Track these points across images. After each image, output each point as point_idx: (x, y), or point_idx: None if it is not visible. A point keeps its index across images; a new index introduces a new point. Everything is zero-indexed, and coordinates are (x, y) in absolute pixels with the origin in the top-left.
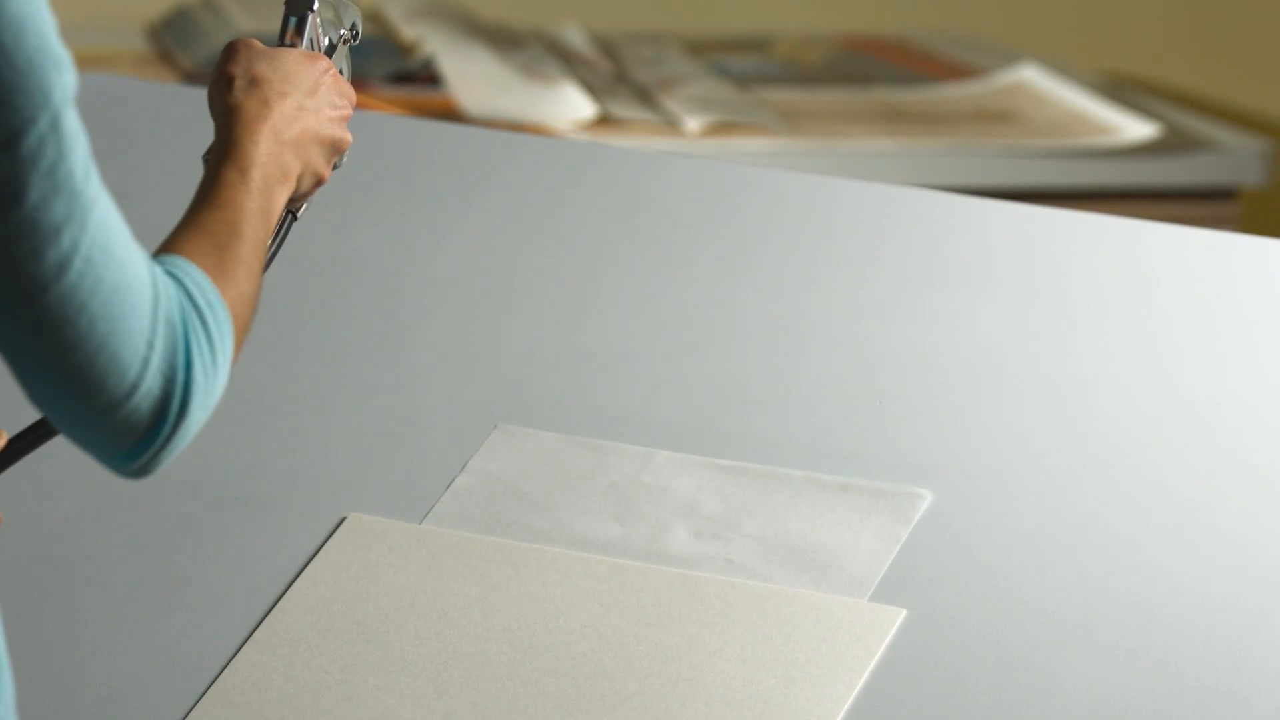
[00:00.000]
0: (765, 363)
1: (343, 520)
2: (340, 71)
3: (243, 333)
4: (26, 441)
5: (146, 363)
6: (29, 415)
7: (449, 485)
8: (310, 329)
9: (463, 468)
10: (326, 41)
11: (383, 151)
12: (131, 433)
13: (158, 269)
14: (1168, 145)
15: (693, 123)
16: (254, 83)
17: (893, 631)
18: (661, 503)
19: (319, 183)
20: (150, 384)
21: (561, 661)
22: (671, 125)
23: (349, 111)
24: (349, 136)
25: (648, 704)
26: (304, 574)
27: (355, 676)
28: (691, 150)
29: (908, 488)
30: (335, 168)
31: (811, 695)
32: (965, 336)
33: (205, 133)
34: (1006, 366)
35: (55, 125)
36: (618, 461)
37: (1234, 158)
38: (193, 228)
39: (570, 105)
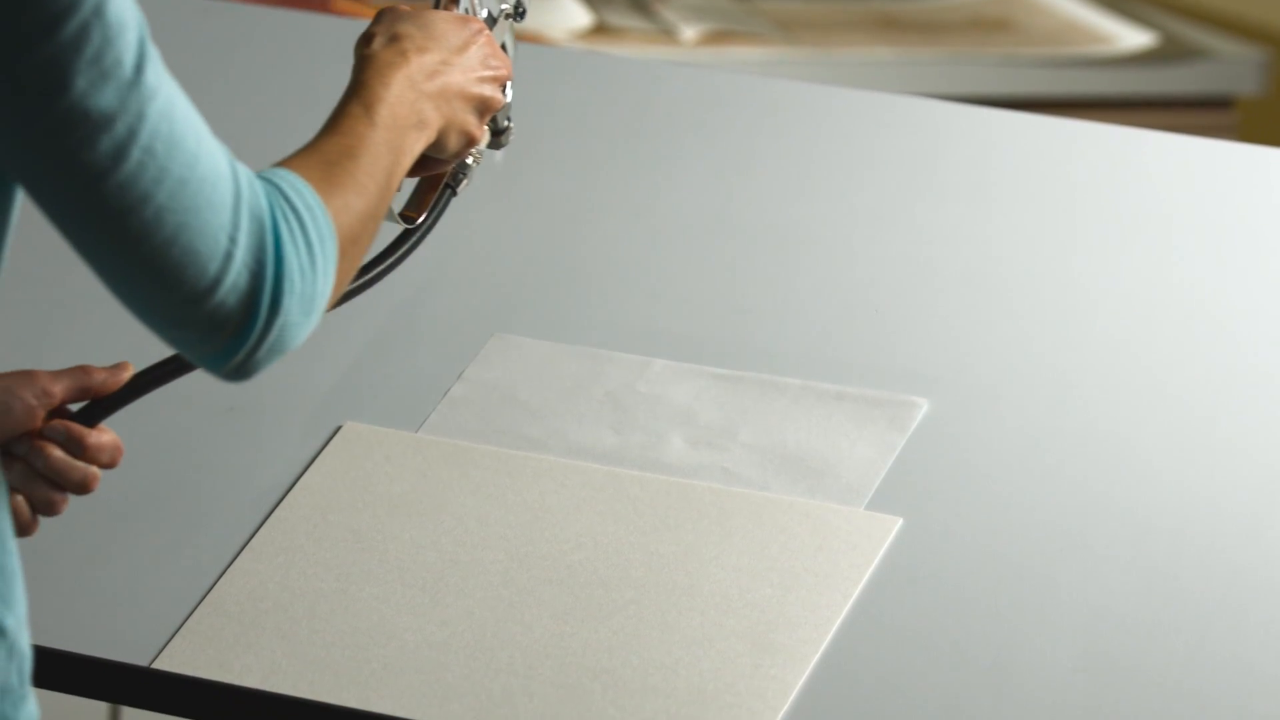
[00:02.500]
0: (762, 271)
1: (338, 429)
2: (503, 47)
3: (351, 245)
4: (153, 377)
5: (229, 256)
6: (154, 349)
7: (445, 394)
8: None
9: (459, 376)
10: (485, 12)
11: None
12: (221, 329)
13: (244, 168)
14: (1164, 54)
15: (689, 31)
16: (395, 39)
17: (889, 540)
18: (658, 411)
19: (470, 142)
20: (235, 278)
21: (557, 570)
22: (668, 34)
23: (503, 74)
24: (501, 97)
25: (644, 612)
26: (300, 483)
27: (351, 585)
28: (688, 59)
29: (904, 396)
30: (498, 136)
31: (808, 603)
32: (962, 245)
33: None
34: (1003, 275)
35: (100, 11)
36: (614, 370)
37: (1231, 66)
38: (305, 150)
39: (566, 14)
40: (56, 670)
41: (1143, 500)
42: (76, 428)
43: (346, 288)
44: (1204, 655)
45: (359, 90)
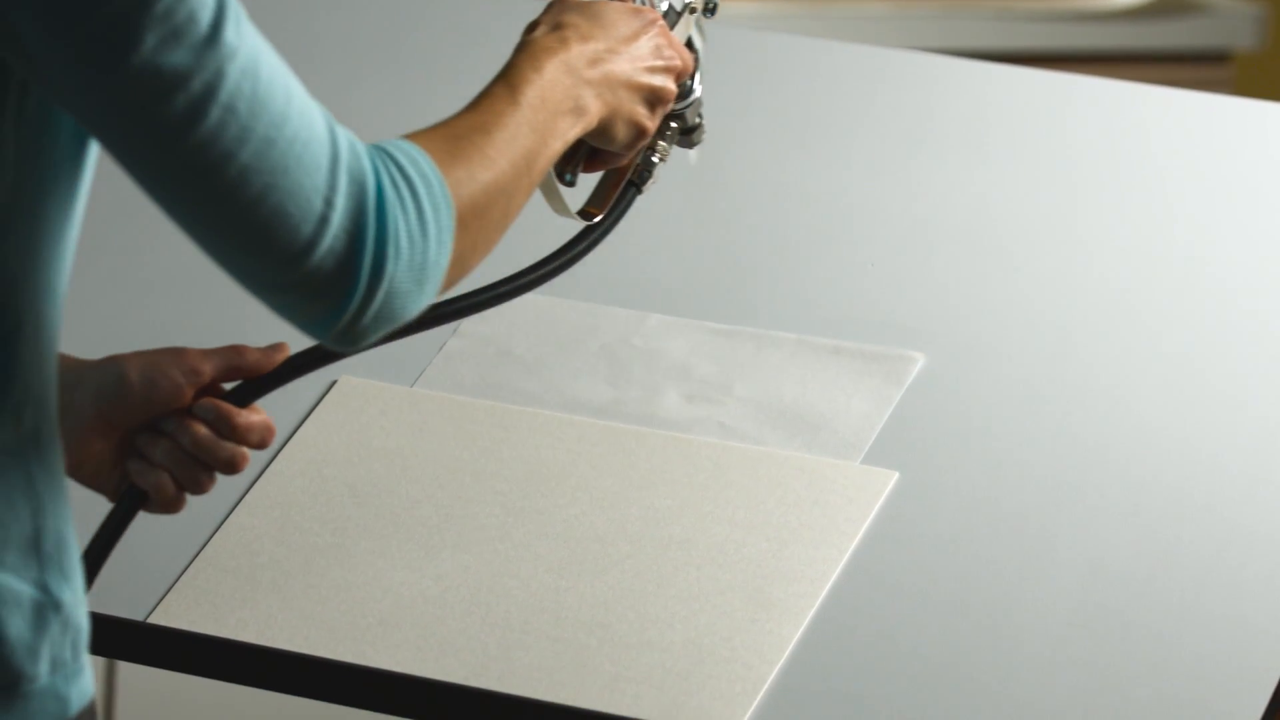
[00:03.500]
0: (757, 227)
1: (334, 383)
2: (689, 44)
3: (475, 218)
4: (307, 360)
5: (324, 220)
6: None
7: (440, 348)
8: None
9: (454, 330)
10: (666, 5)
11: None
12: (321, 294)
13: (346, 132)
14: (1161, 8)
15: None
16: (559, 26)
17: (885, 494)
18: (653, 366)
19: (640, 134)
20: (332, 241)
21: (553, 524)
22: None
23: (677, 65)
24: (672, 88)
25: (640, 566)
26: (295, 437)
27: (347, 540)
28: None
29: (900, 350)
30: (688, 134)
31: (804, 558)
32: (958, 199)
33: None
34: (999, 230)
35: None
36: (609, 324)
37: (1228, 21)
38: (436, 125)
39: None
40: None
41: (1139, 455)
42: (226, 407)
43: (475, 270)
44: (1200, 610)
45: (507, 71)
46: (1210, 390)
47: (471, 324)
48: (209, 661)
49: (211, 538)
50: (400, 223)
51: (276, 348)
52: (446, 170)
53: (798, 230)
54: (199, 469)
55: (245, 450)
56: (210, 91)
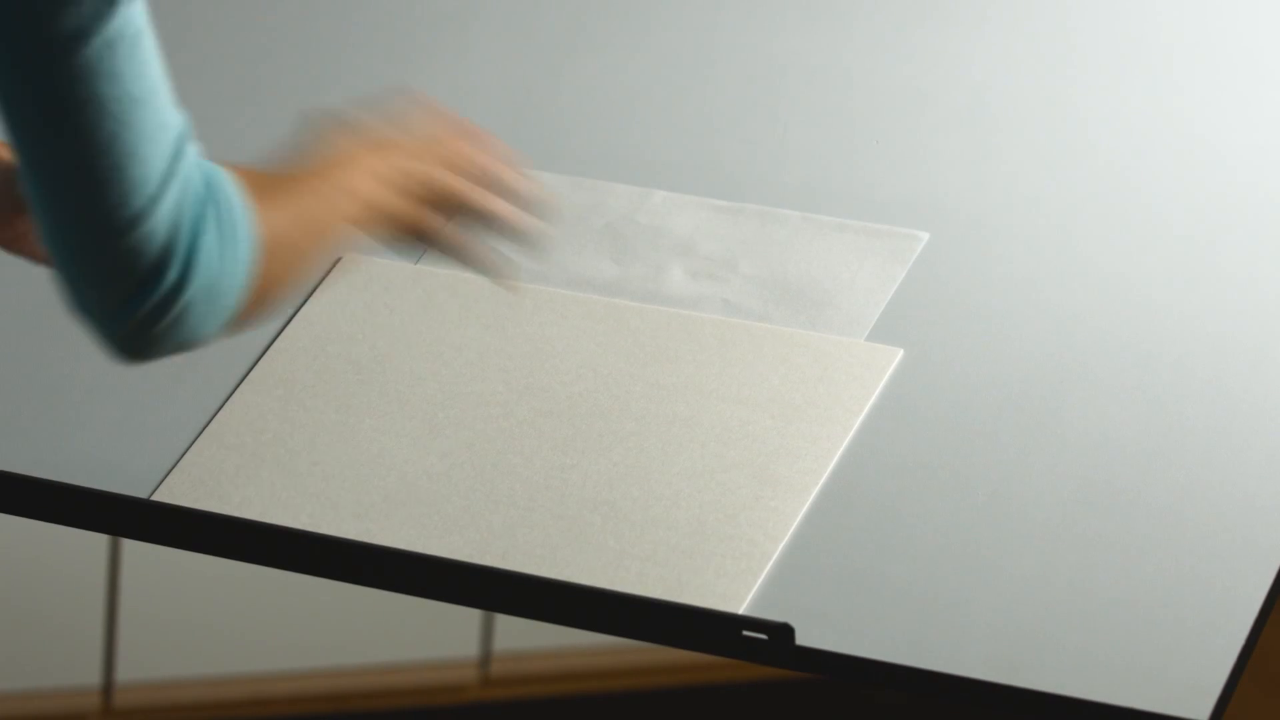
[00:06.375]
0: (761, 102)
1: (337, 260)
2: None
3: (269, 259)
4: None
5: (154, 200)
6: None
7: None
8: (309, 82)
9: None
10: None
11: None
12: (126, 275)
13: (192, 141)
14: None
15: None
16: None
17: (890, 371)
18: (658, 243)
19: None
20: (155, 224)
21: (558, 401)
22: None
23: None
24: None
25: (644, 444)
26: (299, 314)
27: (351, 417)
28: None
29: (904, 228)
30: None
31: (808, 435)
32: (962, 75)
33: None
34: (1004, 106)
35: None
36: (613, 201)
37: None
38: (248, 166)
39: None
40: (56, 502)
41: (1144, 330)
42: None
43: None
44: (1205, 485)
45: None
46: (1215, 264)
47: None
48: (213, 538)
49: (215, 415)
50: (211, 234)
51: None
52: (258, 208)
53: (801, 106)
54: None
55: None
56: (97, 18)
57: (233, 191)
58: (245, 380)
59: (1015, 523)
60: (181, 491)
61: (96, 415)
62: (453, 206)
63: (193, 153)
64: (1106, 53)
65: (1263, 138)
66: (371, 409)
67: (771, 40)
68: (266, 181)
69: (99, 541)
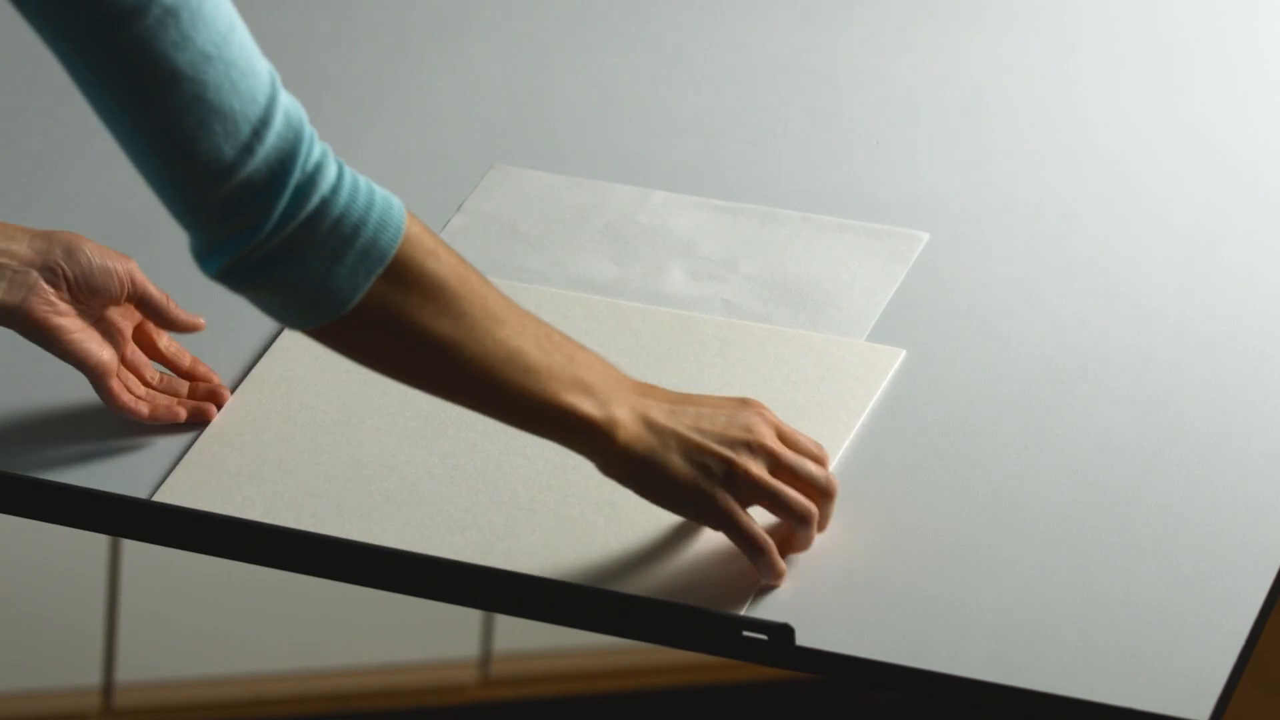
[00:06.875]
0: (762, 103)
1: None
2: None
3: (406, 285)
4: None
5: (248, 149)
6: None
7: (444, 225)
8: (309, 82)
9: (458, 208)
10: None
11: None
12: (225, 221)
13: (292, 98)
14: None
15: None
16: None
17: (892, 371)
18: (658, 243)
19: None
20: (252, 172)
21: None
22: None
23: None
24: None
25: None
26: None
27: (353, 417)
28: None
29: (905, 228)
30: None
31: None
32: (963, 75)
33: None
34: (1004, 106)
35: None
36: (614, 201)
37: None
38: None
39: None
40: (56, 502)
41: (1144, 331)
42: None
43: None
44: (1204, 487)
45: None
46: (1215, 266)
47: (475, 201)
48: (214, 539)
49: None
50: (339, 196)
51: (194, 318)
52: (417, 226)
53: (802, 106)
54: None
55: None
56: None
57: (387, 197)
58: (247, 378)
59: (1015, 523)
60: (183, 492)
61: (97, 415)
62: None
63: (295, 107)
64: (1106, 53)
65: (1263, 138)
66: (374, 409)
67: (771, 40)
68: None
69: (99, 541)
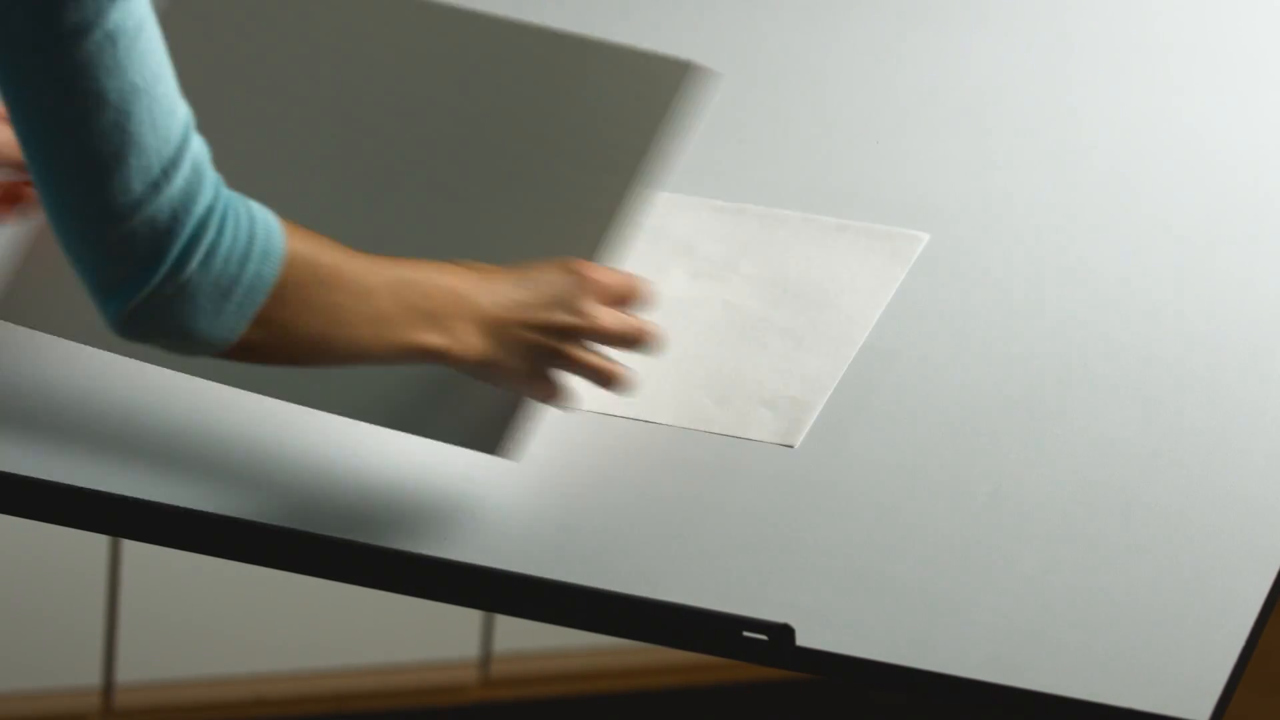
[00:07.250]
0: (762, 102)
1: None
2: None
3: (293, 296)
4: None
5: (156, 187)
6: None
7: None
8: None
9: None
10: None
11: None
12: (128, 258)
13: (201, 140)
14: None
15: None
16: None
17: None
18: (658, 243)
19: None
20: (156, 211)
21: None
22: None
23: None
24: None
25: None
26: None
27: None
28: None
29: (905, 229)
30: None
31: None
32: (962, 75)
33: None
34: (1004, 106)
35: None
36: None
37: None
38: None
39: None
40: (56, 502)
41: (1143, 330)
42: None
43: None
44: (1204, 487)
45: None
46: (1215, 267)
47: None
48: (212, 538)
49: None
50: (225, 236)
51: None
52: (293, 242)
53: (802, 106)
54: None
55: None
56: (100, 13)
57: (266, 221)
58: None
59: (1015, 523)
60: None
61: (97, 415)
62: (566, 333)
63: (202, 150)
64: (1106, 53)
65: (1262, 138)
66: None
67: (770, 40)
68: (319, 236)
69: (99, 541)
